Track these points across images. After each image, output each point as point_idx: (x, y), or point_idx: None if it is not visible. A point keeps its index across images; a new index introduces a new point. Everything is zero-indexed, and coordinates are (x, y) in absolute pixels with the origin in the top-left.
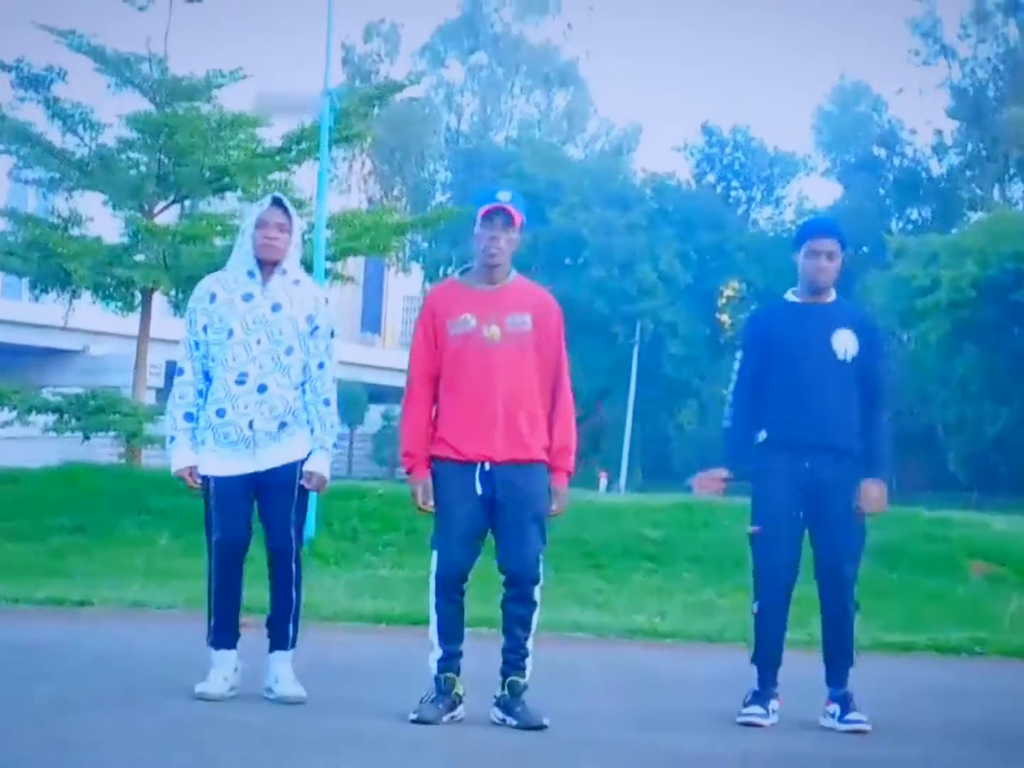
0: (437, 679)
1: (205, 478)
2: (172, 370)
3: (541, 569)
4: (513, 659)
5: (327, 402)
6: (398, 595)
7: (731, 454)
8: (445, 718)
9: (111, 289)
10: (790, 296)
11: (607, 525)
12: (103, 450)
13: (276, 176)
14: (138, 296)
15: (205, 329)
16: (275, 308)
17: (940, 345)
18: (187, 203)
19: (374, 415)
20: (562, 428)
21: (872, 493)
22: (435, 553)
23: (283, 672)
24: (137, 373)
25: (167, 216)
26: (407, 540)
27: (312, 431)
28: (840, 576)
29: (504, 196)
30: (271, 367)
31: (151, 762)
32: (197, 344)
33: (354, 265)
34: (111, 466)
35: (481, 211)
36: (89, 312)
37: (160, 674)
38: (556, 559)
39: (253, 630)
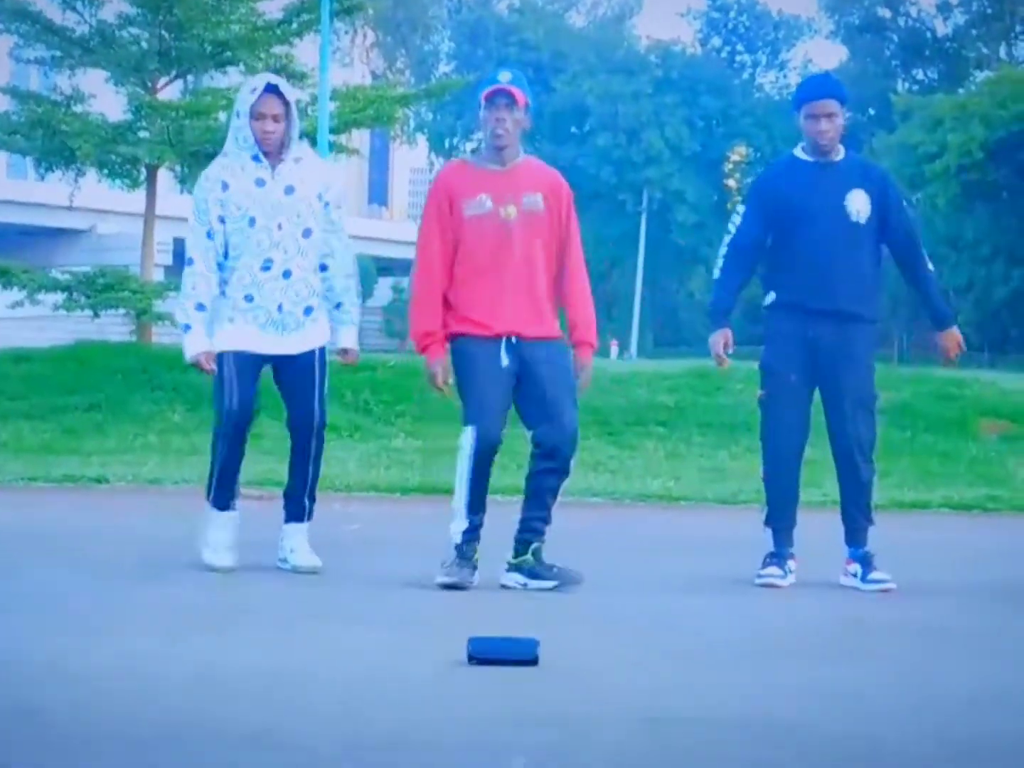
0: (459, 547)
1: (221, 354)
2: (180, 247)
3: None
4: (539, 527)
5: (349, 275)
6: (412, 465)
7: (716, 305)
8: (470, 582)
9: (116, 166)
10: (799, 153)
11: (619, 392)
12: (113, 328)
13: (277, 49)
14: (143, 173)
15: (222, 219)
16: (288, 191)
17: (949, 208)
18: (189, 78)
19: (383, 288)
20: (584, 303)
21: (949, 342)
22: (471, 428)
23: (298, 543)
24: (145, 250)
25: (170, 92)
26: (419, 411)
27: (338, 306)
28: (853, 438)
29: (504, 76)
30: (294, 251)
31: (169, 639)
32: (210, 234)
33: (359, 138)
34: (122, 344)
35: (483, 94)
36: (95, 191)
37: (176, 550)
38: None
39: (270, 502)
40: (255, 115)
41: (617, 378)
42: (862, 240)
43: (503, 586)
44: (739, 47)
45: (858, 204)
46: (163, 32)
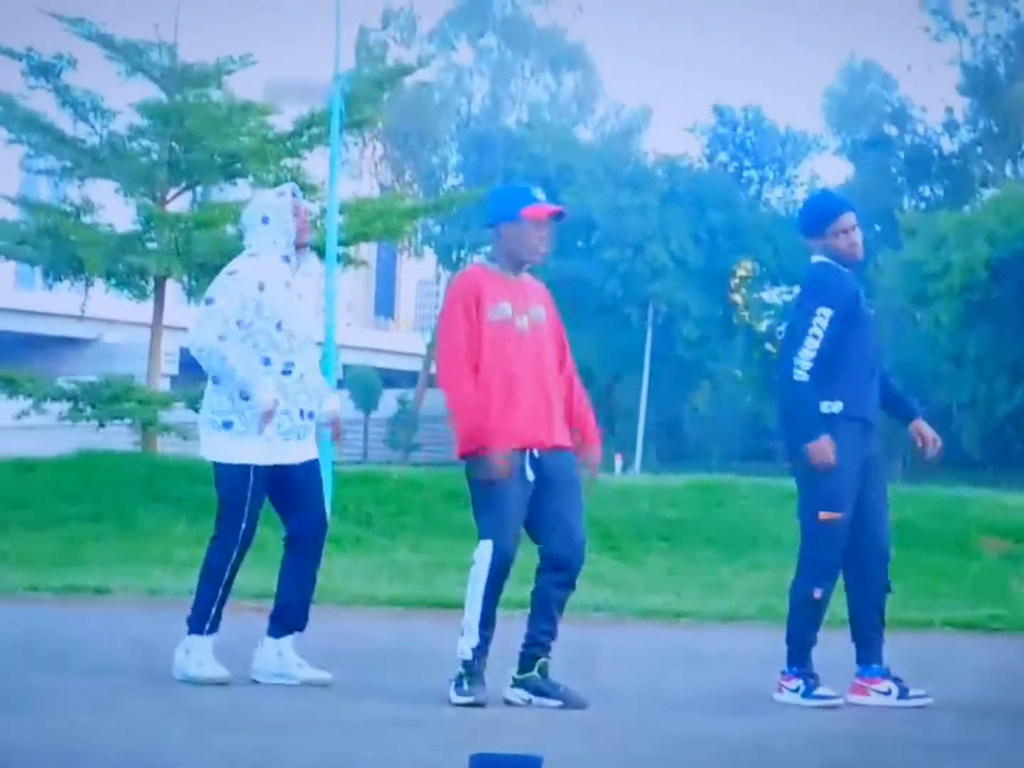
0: (471, 663)
1: (245, 467)
2: (187, 358)
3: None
4: (546, 641)
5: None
6: (415, 579)
7: (811, 415)
8: (486, 699)
9: (124, 277)
10: (838, 265)
11: (622, 506)
12: (118, 438)
13: (287, 162)
14: (151, 284)
15: (240, 323)
16: (300, 296)
17: (952, 325)
18: (198, 190)
19: (388, 399)
20: (587, 407)
21: (927, 430)
22: (491, 543)
23: (298, 657)
24: (151, 361)
25: (179, 203)
26: (423, 523)
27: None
28: (887, 554)
29: (540, 193)
30: (302, 354)
31: (192, 751)
32: (240, 324)
33: (367, 250)
34: (127, 454)
35: (529, 211)
36: (103, 300)
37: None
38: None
39: (259, 614)
40: (294, 213)
41: (620, 491)
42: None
43: (507, 702)
44: (746, 162)
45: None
46: (173, 144)
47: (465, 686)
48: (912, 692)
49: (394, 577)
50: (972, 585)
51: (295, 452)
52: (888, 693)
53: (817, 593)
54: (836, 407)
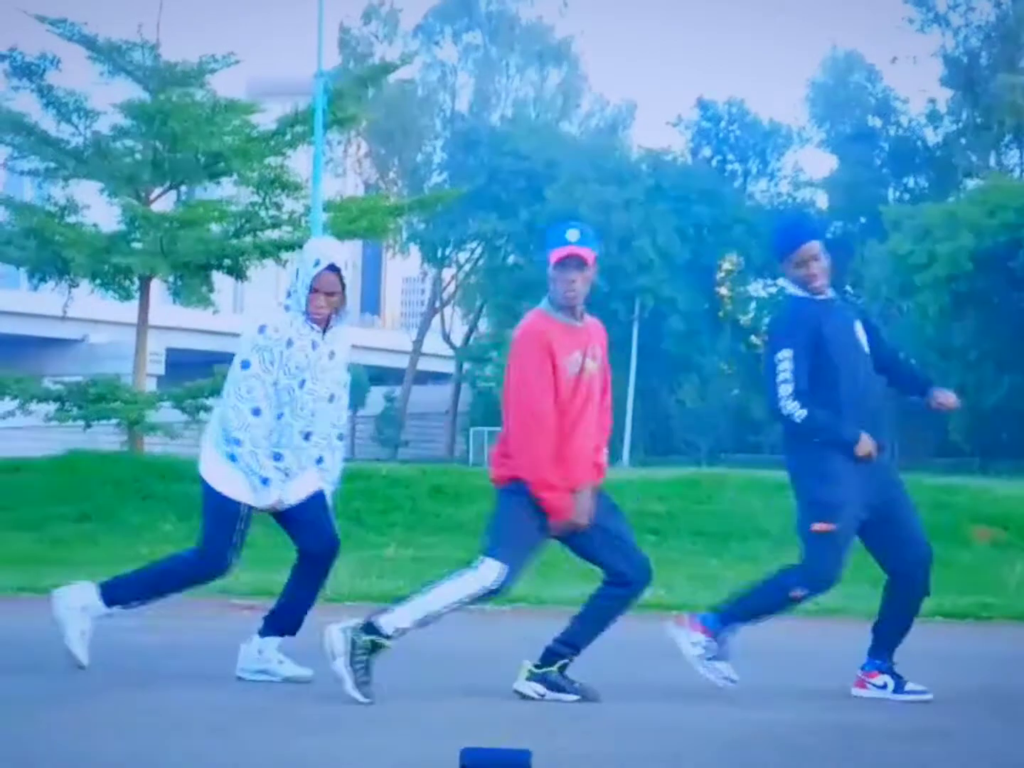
0: (377, 645)
1: (237, 507)
2: (172, 357)
3: None
4: (581, 646)
5: (341, 436)
6: (404, 575)
7: (832, 434)
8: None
9: (109, 277)
10: (801, 293)
11: None
12: (105, 438)
13: (271, 160)
14: (136, 284)
15: (275, 383)
16: (331, 356)
17: (939, 315)
18: (183, 189)
19: (376, 397)
20: (605, 440)
21: (948, 395)
22: (499, 564)
23: (281, 655)
24: (137, 361)
25: (163, 203)
26: (412, 519)
27: (319, 461)
28: (929, 556)
29: (573, 235)
30: (321, 414)
31: (176, 749)
32: (276, 383)
33: (352, 247)
34: (113, 454)
35: (553, 256)
36: (88, 301)
37: (164, 659)
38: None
39: (260, 612)
40: (312, 288)
41: (609, 485)
42: (872, 367)
43: (518, 692)
44: (730, 156)
45: (860, 333)
46: (157, 143)
47: (361, 674)
48: (909, 687)
49: (383, 573)
50: (962, 574)
51: (284, 495)
52: (884, 687)
53: (797, 593)
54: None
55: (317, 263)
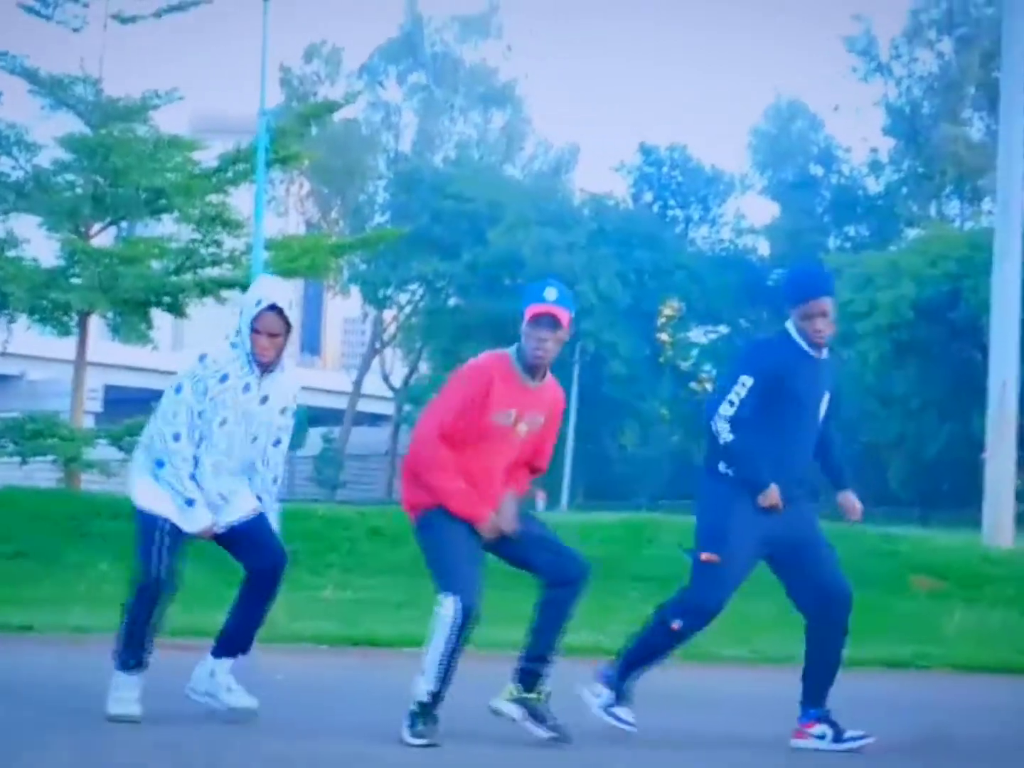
0: (427, 705)
1: (162, 520)
2: (111, 395)
3: None
4: (551, 658)
5: (275, 480)
6: (341, 617)
7: (749, 469)
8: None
9: (48, 312)
10: (798, 339)
11: None
12: (41, 475)
13: (212, 198)
14: (75, 319)
15: (200, 414)
16: (263, 400)
17: (879, 363)
18: (123, 225)
19: (314, 437)
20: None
21: (857, 502)
22: (454, 599)
23: (233, 681)
24: (75, 397)
25: (103, 239)
26: (349, 561)
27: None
28: (846, 594)
29: (551, 295)
30: (238, 453)
31: None
32: (202, 414)
33: (293, 286)
34: (50, 491)
35: (528, 311)
36: (26, 337)
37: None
38: (497, 577)
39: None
40: (254, 328)
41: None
42: (817, 434)
43: (494, 710)
44: (671, 201)
45: (824, 404)
46: (98, 178)
47: (419, 726)
48: (848, 734)
49: (320, 615)
50: (902, 622)
51: (226, 515)
52: (823, 737)
53: (675, 624)
54: (730, 471)
55: (259, 303)
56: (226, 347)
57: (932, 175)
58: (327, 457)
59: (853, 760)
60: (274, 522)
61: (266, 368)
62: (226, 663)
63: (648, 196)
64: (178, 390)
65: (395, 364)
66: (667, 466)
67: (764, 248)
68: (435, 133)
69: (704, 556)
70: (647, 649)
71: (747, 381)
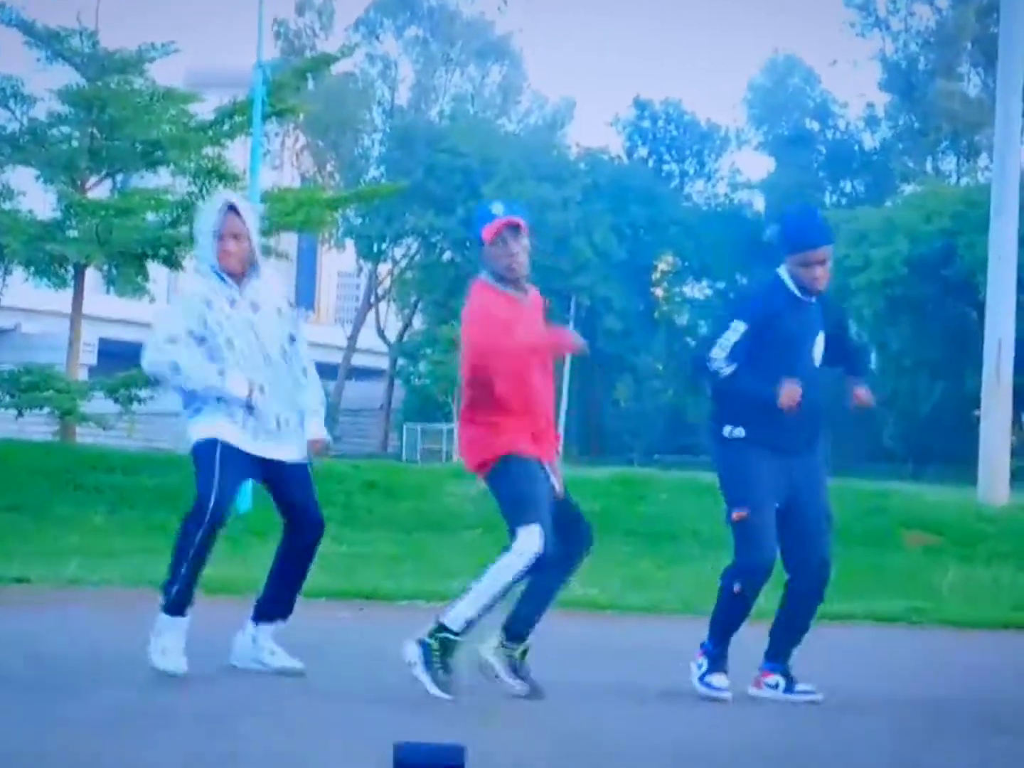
0: (451, 641)
1: (214, 441)
2: (106, 347)
3: None
4: (536, 624)
5: (305, 371)
6: (336, 570)
7: (754, 389)
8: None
9: (44, 265)
10: (789, 283)
11: None
12: (35, 428)
13: (208, 151)
14: (71, 272)
15: (202, 339)
16: (254, 309)
17: (874, 320)
18: (119, 178)
19: None
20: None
21: (866, 392)
22: (533, 527)
23: (275, 645)
24: (71, 350)
25: (99, 191)
26: (344, 515)
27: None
28: (824, 564)
29: (498, 209)
30: (262, 365)
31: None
32: (193, 335)
33: (287, 241)
34: (45, 443)
35: (487, 235)
36: (21, 290)
37: (111, 653)
38: (493, 532)
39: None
40: (216, 235)
41: None
42: (819, 382)
43: (482, 662)
44: (666, 156)
45: (819, 347)
46: (94, 131)
47: (441, 673)
48: (799, 687)
49: (315, 568)
50: (894, 578)
51: (274, 450)
52: (776, 687)
53: (736, 587)
54: (738, 432)
55: (216, 209)
56: (195, 279)
57: (928, 131)
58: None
59: (842, 714)
60: (322, 424)
61: (240, 277)
62: (267, 628)
63: (643, 151)
64: (165, 317)
65: (390, 318)
66: (661, 421)
67: (759, 203)
68: (431, 87)
69: (735, 515)
70: (725, 616)
71: (739, 326)
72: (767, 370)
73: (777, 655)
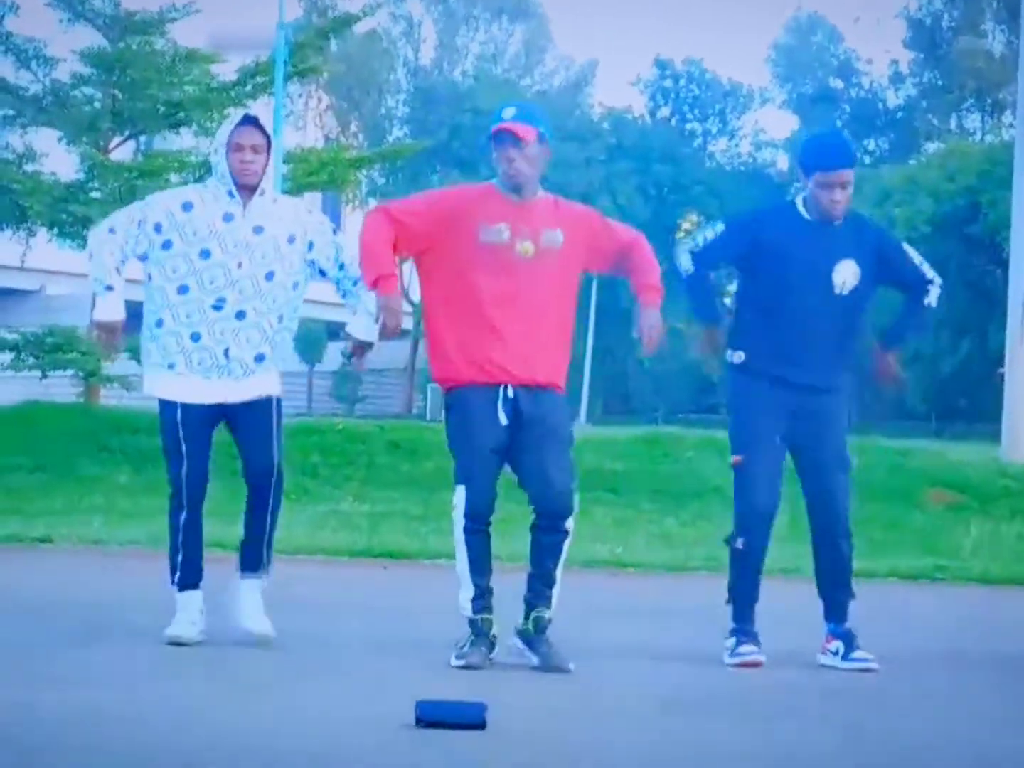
0: (474, 621)
1: (172, 404)
2: (130, 309)
3: (577, 499)
4: (539, 589)
5: (356, 282)
6: (359, 529)
7: (700, 301)
8: (487, 662)
9: (67, 226)
10: (800, 208)
11: None
12: (60, 389)
13: (231, 111)
14: None
15: (158, 228)
16: (257, 230)
17: None
18: (142, 139)
19: (333, 352)
20: (646, 255)
21: (893, 366)
22: (461, 488)
23: (252, 603)
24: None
25: (122, 152)
26: (367, 475)
27: (355, 283)
28: (832, 510)
29: (508, 113)
30: (251, 292)
31: (123, 703)
32: (141, 224)
33: (311, 201)
34: (69, 405)
35: (492, 134)
36: (45, 251)
37: (123, 614)
38: (516, 490)
39: (227, 564)
40: (233, 146)
41: None
42: (842, 312)
43: (510, 648)
44: (689, 116)
45: (845, 275)
46: (116, 92)
47: (465, 648)
48: (855, 655)
49: (339, 527)
50: (917, 536)
51: (228, 391)
52: (836, 652)
53: (738, 543)
54: (737, 357)
55: (232, 122)
56: (193, 185)
57: (952, 88)
58: (345, 372)
59: (863, 673)
60: (371, 323)
61: (249, 194)
62: (246, 583)
63: (665, 111)
64: (133, 206)
65: (413, 279)
66: (684, 380)
67: (783, 162)
68: (454, 47)
69: (733, 461)
70: (736, 579)
71: (718, 227)
72: (771, 296)
73: (829, 613)
